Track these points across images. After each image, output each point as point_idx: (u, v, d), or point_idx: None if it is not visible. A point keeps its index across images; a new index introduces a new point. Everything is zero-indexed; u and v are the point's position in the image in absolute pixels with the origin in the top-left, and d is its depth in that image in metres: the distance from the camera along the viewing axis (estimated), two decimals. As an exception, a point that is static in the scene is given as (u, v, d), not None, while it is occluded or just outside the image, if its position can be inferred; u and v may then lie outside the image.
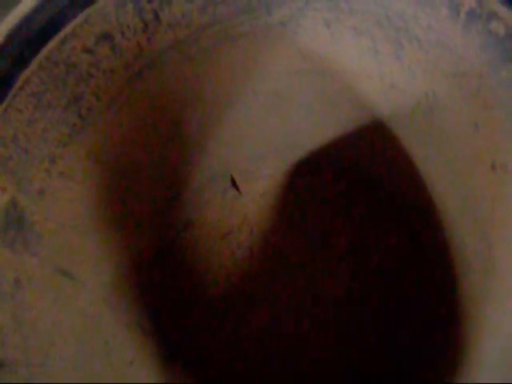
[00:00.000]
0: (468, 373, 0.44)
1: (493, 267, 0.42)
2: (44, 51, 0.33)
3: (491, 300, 0.42)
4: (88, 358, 0.43)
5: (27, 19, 0.31)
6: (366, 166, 0.53)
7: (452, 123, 0.41)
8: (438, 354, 0.53)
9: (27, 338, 0.36)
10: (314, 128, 0.53)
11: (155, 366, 0.53)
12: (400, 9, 0.36)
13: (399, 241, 0.59)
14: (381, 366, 0.56)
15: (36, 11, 0.31)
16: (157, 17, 0.37)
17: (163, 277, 0.60)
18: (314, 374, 0.58)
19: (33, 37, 0.32)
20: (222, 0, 0.38)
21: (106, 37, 0.36)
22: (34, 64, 0.33)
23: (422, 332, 0.56)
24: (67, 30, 0.33)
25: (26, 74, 0.33)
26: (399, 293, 0.58)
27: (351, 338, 0.57)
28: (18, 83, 0.33)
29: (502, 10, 0.31)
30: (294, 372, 0.60)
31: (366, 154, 0.51)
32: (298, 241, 0.62)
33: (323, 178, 0.59)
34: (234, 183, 0.67)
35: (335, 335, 0.58)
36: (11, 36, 0.31)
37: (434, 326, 0.55)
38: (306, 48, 0.42)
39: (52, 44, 0.33)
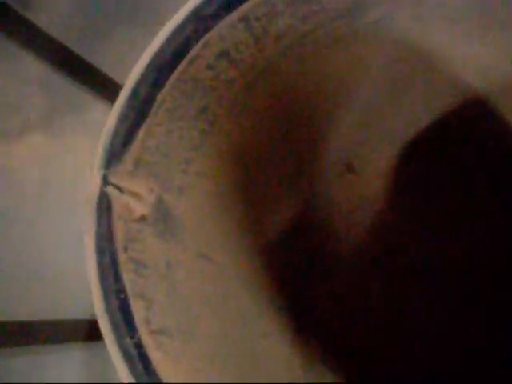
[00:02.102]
0: None
1: None
2: (174, 74, 0.40)
3: None
4: (228, 330, 0.50)
5: (159, 52, 0.38)
6: (471, 146, 0.56)
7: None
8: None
9: (180, 312, 0.43)
10: (416, 112, 0.56)
11: (287, 338, 0.59)
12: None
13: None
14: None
15: (166, 43, 0.38)
16: (265, 31, 0.42)
17: (291, 257, 0.66)
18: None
19: (165, 64, 0.39)
20: (321, 9, 0.43)
21: (224, 54, 0.42)
22: (167, 86, 0.40)
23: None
24: (191, 54, 0.40)
25: (161, 94, 0.40)
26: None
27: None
28: (157, 103, 0.40)
29: None
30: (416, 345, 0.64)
31: (469, 134, 0.54)
32: (411, 218, 0.66)
33: (431, 161, 0.63)
34: (351, 167, 0.71)
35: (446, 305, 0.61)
36: (148, 67, 0.38)
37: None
38: (400, 40, 0.46)
39: (180, 67, 0.40)
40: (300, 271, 0.69)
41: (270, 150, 0.58)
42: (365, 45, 0.47)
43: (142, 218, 0.41)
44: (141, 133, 0.40)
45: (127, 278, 0.38)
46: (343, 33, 0.46)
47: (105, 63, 0.76)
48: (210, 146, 0.48)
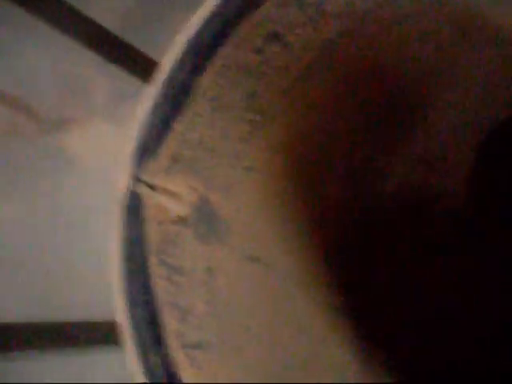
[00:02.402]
0: None
1: None
2: (216, 58, 0.35)
3: None
4: (280, 338, 0.45)
5: (198, 33, 0.34)
6: None
7: None
8: None
9: (221, 322, 0.39)
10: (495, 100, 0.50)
11: (347, 343, 0.54)
12: None
13: None
14: None
15: (205, 24, 0.34)
16: (321, 10, 0.37)
17: (353, 255, 0.61)
18: None
19: (205, 47, 0.35)
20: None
21: (274, 36, 0.37)
22: (208, 71, 0.36)
23: None
24: (235, 35, 0.35)
25: (202, 81, 0.36)
26: None
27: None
28: (196, 91, 0.36)
29: None
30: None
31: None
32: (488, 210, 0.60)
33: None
34: (427, 160, 0.65)
35: None
36: (186, 50, 0.34)
37: None
38: (468, 14, 0.40)
39: (223, 51, 0.36)
40: (357, 271, 0.64)
41: (335, 137, 0.53)
42: (432, 21, 0.41)
43: (180, 220, 0.37)
44: (179, 124, 0.36)
45: (158, 286, 0.34)
46: (409, 10, 0.40)
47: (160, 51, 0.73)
48: (261, 137, 0.43)
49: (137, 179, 0.34)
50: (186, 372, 0.33)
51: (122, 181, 0.33)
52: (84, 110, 0.91)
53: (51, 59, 0.92)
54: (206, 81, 0.36)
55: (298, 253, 0.51)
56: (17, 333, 0.57)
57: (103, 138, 0.88)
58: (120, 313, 0.31)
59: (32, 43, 0.96)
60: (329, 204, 0.56)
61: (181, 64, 0.34)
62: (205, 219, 0.39)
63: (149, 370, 0.31)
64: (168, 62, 0.34)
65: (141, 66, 0.71)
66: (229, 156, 0.41)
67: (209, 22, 0.34)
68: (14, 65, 1.06)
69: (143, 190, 0.34)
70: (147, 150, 0.34)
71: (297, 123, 0.46)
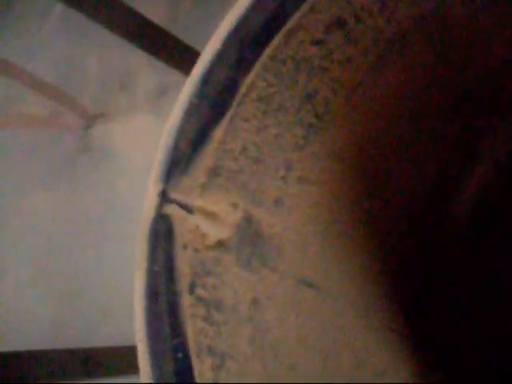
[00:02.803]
0: None
1: None
2: (267, 50, 0.29)
3: None
4: (333, 372, 0.39)
5: (244, 19, 0.27)
6: None
7: None
8: None
9: (267, 364, 0.33)
10: None
11: (410, 374, 0.47)
12: None
13: None
14: None
15: (253, 8, 0.27)
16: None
17: (414, 275, 0.54)
18: None
19: (253, 36, 0.28)
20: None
21: (338, 23, 0.31)
22: (257, 66, 0.29)
23: None
24: (291, 22, 0.29)
25: (249, 77, 0.29)
26: None
27: None
28: (242, 89, 0.29)
29: None
30: None
31: None
32: None
33: None
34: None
35: None
36: (229, 40, 0.28)
37: None
38: None
39: (276, 41, 0.29)
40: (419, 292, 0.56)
41: (405, 140, 0.46)
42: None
43: (220, 244, 0.31)
44: (218, 131, 0.29)
45: (192, 328, 0.28)
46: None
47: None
48: (319, 143, 0.37)
49: (167, 198, 0.28)
50: None
51: (149, 201, 0.27)
52: (128, 102, 0.87)
53: (96, 52, 0.88)
54: (254, 77, 0.30)
55: (355, 274, 0.45)
56: (44, 360, 0.53)
57: (146, 130, 0.83)
58: (143, 364, 0.26)
59: (77, 36, 0.92)
60: (392, 218, 0.50)
61: (223, 57, 0.28)
62: (249, 241, 0.33)
63: None
64: (207, 54, 0.27)
65: (186, 58, 0.65)
66: (278, 166, 0.35)
67: (258, 5, 0.27)
68: (60, 57, 1.03)
69: (174, 212, 0.28)
70: (180, 162, 0.28)
71: (358, 126, 0.40)
